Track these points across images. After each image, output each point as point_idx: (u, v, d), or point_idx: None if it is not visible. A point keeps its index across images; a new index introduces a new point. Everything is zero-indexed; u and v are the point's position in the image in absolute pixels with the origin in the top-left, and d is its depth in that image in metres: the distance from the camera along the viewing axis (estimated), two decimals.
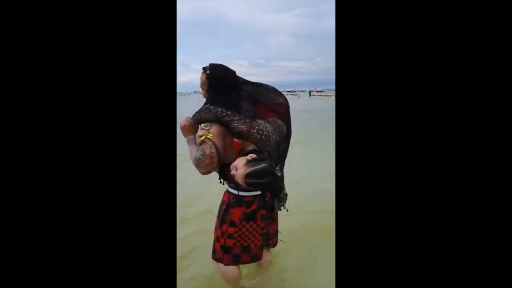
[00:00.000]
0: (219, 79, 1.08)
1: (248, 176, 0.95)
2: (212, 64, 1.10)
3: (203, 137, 1.05)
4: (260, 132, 1.05)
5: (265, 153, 1.05)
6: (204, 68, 1.11)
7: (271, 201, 1.19)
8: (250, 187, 1.01)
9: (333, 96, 37.09)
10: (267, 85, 1.22)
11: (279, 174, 1.18)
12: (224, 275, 1.20)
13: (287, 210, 1.26)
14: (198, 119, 1.08)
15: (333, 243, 0.72)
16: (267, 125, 1.10)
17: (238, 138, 1.09)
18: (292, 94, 44.53)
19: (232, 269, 1.17)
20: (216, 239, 1.18)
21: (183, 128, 1.08)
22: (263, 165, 0.97)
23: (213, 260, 1.20)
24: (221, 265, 1.18)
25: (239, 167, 0.96)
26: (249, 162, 0.97)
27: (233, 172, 0.99)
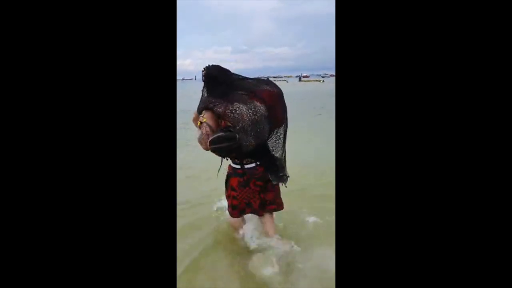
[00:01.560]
0: (212, 77, 1.40)
1: (210, 142, 1.28)
2: (209, 65, 1.42)
3: (199, 122, 1.38)
4: (233, 111, 1.29)
5: (237, 127, 1.27)
6: (203, 69, 1.42)
7: (264, 173, 1.45)
8: (213, 151, 1.32)
9: (321, 81, 37.51)
10: (263, 79, 1.55)
11: (277, 155, 1.47)
12: (232, 223, 1.65)
13: (286, 187, 1.53)
14: (198, 109, 1.42)
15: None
16: (242, 106, 1.30)
17: (219, 119, 1.36)
18: (279, 80, 44.86)
19: (236, 220, 1.60)
20: (227, 198, 1.56)
21: (193, 120, 1.43)
22: (221, 133, 1.27)
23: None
24: (229, 217, 1.61)
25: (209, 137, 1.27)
26: (214, 133, 1.29)
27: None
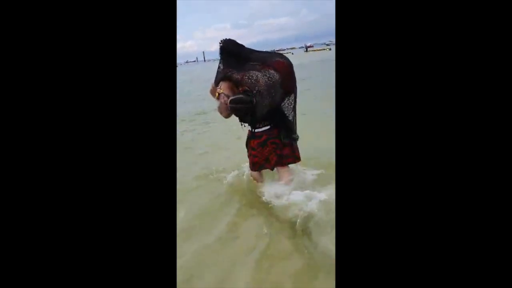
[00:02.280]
0: (227, 50, 1.58)
1: (231, 101, 1.44)
2: (224, 39, 1.60)
3: (217, 94, 1.55)
4: (250, 77, 1.45)
5: (255, 91, 1.42)
6: (220, 42, 1.61)
7: (279, 133, 1.65)
8: (233, 111, 1.49)
9: (327, 49, 36.21)
10: (274, 52, 1.80)
11: (290, 118, 1.65)
12: (253, 176, 1.81)
13: (297, 138, 1.72)
14: (216, 81, 1.59)
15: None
16: (257, 72, 1.47)
17: (237, 86, 1.51)
18: (283, 53, 43.43)
19: (257, 173, 1.78)
20: (248, 157, 1.75)
21: (210, 92, 1.63)
22: (239, 95, 1.43)
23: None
24: (251, 172, 1.79)
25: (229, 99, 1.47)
26: (233, 95, 1.46)
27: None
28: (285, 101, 1.63)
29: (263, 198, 1.66)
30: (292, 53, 40.41)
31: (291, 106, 1.65)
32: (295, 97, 1.65)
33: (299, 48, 68.87)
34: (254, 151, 1.67)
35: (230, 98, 1.45)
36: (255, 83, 1.44)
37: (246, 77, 1.45)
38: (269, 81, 1.47)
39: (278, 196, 1.61)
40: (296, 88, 1.65)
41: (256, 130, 1.64)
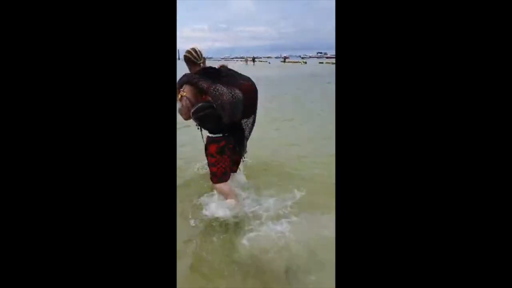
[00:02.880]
0: (205, 70, 1.65)
1: (193, 112, 1.57)
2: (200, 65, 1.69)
3: (179, 96, 1.59)
4: (215, 90, 1.53)
5: (217, 103, 1.53)
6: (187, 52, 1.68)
7: (235, 142, 1.79)
8: (196, 119, 1.60)
9: (303, 63, 36.72)
10: (244, 75, 1.78)
11: (246, 135, 1.81)
12: (219, 190, 1.82)
13: (243, 159, 1.97)
14: (179, 83, 1.63)
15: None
16: (224, 88, 1.55)
17: (201, 94, 1.60)
18: (260, 61, 43.87)
19: (221, 185, 1.79)
20: (208, 167, 1.81)
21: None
22: (201, 104, 1.56)
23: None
24: (214, 185, 1.82)
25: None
26: (194, 105, 1.58)
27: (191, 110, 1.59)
28: (245, 120, 1.78)
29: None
30: (269, 62, 40.78)
31: (249, 126, 1.82)
32: (254, 119, 1.84)
33: (275, 57, 69.84)
34: (213, 159, 1.75)
35: (194, 107, 1.57)
36: (219, 97, 1.54)
37: (212, 89, 1.54)
38: (232, 99, 1.57)
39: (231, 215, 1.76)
40: (256, 112, 1.83)
41: (215, 135, 1.74)
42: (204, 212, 1.81)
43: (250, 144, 1.98)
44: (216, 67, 1.74)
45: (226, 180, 1.80)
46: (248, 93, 1.70)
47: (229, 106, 1.58)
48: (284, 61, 43.71)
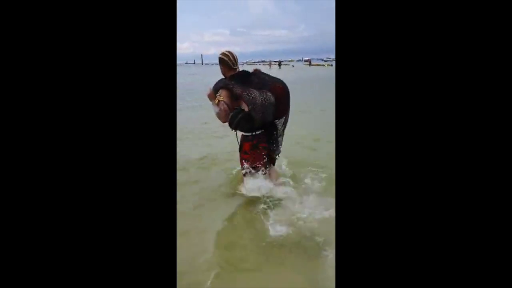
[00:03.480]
0: (238, 75, 1.79)
1: (229, 123, 1.72)
2: (239, 72, 1.81)
3: (216, 100, 1.70)
4: (249, 94, 1.66)
5: (250, 107, 1.64)
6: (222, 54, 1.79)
7: (267, 140, 1.87)
8: (230, 124, 1.73)
9: (326, 66, 35.94)
10: (274, 77, 1.88)
11: (279, 129, 1.88)
12: (244, 181, 1.95)
13: (277, 157, 2.01)
14: (214, 88, 1.75)
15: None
16: (256, 91, 1.67)
17: (236, 98, 1.71)
18: (284, 64, 43.05)
19: (249, 180, 1.92)
20: (241, 162, 1.93)
21: (208, 95, 1.77)
22: (233, 112, 1.68)
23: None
24: (244, 178, 1.93)
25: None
26: (231, 110, 1.71)
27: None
28: (277, 121, 1.84)
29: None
30: (293, 66, 39.91)
31: (282, 127, 1.91)
32: (286, 120, 1.92)
33: (297, 61, 69.62)
34: (246, 155, 1.87)
35: (229, 117, 1.70)
36: (252, 101, 1.67)
37: (246, 93, 1.67)
38: (264, 102, 1.70)
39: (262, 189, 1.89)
40: (288, 112, 1.90)
41: (247, 134, 1.85)
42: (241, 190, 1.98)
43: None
44: (250, 71, 1.83)
45: (254, 173, 1.90)
46: (280, 95, 1.79)
47: (261, 109, 1.70)
48: (310, 65, 42.67)
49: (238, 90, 1.68)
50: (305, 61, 59.04)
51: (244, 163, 1.89)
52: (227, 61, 1.78)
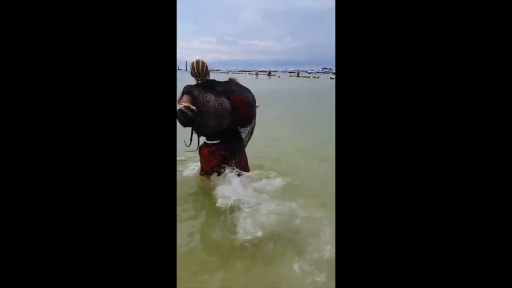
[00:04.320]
0: (208, 83, 1.90)
1: (177, 114, 1.69)
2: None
3: (178, 104, 1.81)
4: (204, 97, 1.79)
5: (203, 108, 1.76)
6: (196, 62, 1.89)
7: (226, 149, 2.01)
8: (181, 123, 1.72)
9: (311, 78, 35.93)
10: (246, 88, 1.97)
11: (243, 143, 2.00)
12: (202, 178, 2.19)
13: (234, 161, 2.00)
14: (181, 94, 1.86)
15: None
16: (211, 95, 1.81)
17: (193, 101, 1.79)
18: (272, 75, 42.12)
19: (205, 178, 2.16)
20: (200, 163, 2.14)
21: (177, 101, 1.83)
22: (181, 110, 1.70)
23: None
24: (200, 175, 2.18)
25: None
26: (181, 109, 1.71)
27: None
28: (241, 129, 2.00)
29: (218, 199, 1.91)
30: (279, 76, 40.85)
31: (247, 136, 2.05)
32: (252, 130, 2.04)
33: (281, 72, 68.96)
34: (204, 159, 2.06)
35: (179, 109, 1.73)
36: (205, 103, 1.78)
37: (201, 96, 1.80)
38: (218, 106, 1.79)
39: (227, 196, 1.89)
40: (253, 123, 2.01)
41: (209, 142, 2.01)
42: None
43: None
44: (227, 80, 1.97)
45: (209, 175, 2.13)
46: (238, 104, 1.88)
47: (214, 113, 1.80)
48: (298, 76, 42.01)
49: (196, 92, 1.82)
50: (289, 72, 60.19)
51: (202, 165, 2.10)
52: (192, 71, 1.92)
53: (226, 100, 1.85)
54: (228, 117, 1.87)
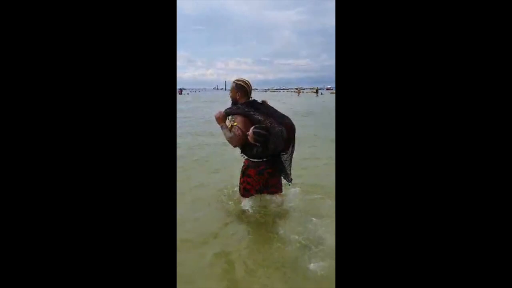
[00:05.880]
0: (250, 103, 1.96)
1: (254, 132, 1.80)
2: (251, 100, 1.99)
3: (230, 125, 1.85)
4: (271, 122, 1.84)
5: (270, 133, 1.83)
6: (236, 81, 1.97)
7: (274, 165, 2.03)
8: (253, 139, 1.82)
9: None
10: (283, 114, 2.04)
11: (286, 165, 2.03)
12: (242, 201, 2.17)
13: (290, 185, 2.18)
14: (229, 112, 1.89)
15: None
16: (276, 124, 1.87)
17: (254, 124, 1.85)
18: (308, 92, 42.90)
19: (244, 198, 2.14)
20: (240, 185, 2.13)
21: (217, 118, 1.90)
22: (261, 128, 1.81)
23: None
24: (240, 197, 2.16)
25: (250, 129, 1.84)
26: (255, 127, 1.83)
27: (248, 132, 1.85)
28: (283, 153, 2.05)
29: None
30: (322, 93, 39.89)
31: (289, 157, 2.09)
32: (292, 152, 2.09)
33: (320, 89, 68.37)
34: (250, 179, 2.03)
35: (254, 129, 1.81)
36: (271, 129, 1.85)
37: (268, 121, 1.87)
38: (280, 133, 1.89)
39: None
40: (294, 146, 2.07)
41: (256, 160, 2.00)
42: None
43: None
44: (259, 101, 2.03)
45: (249, 196, 2.11)
46: (289, 131, 1.97)
47: (276, 140, 1.87)
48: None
49: (259, 117, 1.85)
50: (327, 89, 63.53)
51: (246, 185, 2.07)
52: (245, 88, 1.94)
53: (284, 129, 1.92)
54: (282, 143, 1.94)
